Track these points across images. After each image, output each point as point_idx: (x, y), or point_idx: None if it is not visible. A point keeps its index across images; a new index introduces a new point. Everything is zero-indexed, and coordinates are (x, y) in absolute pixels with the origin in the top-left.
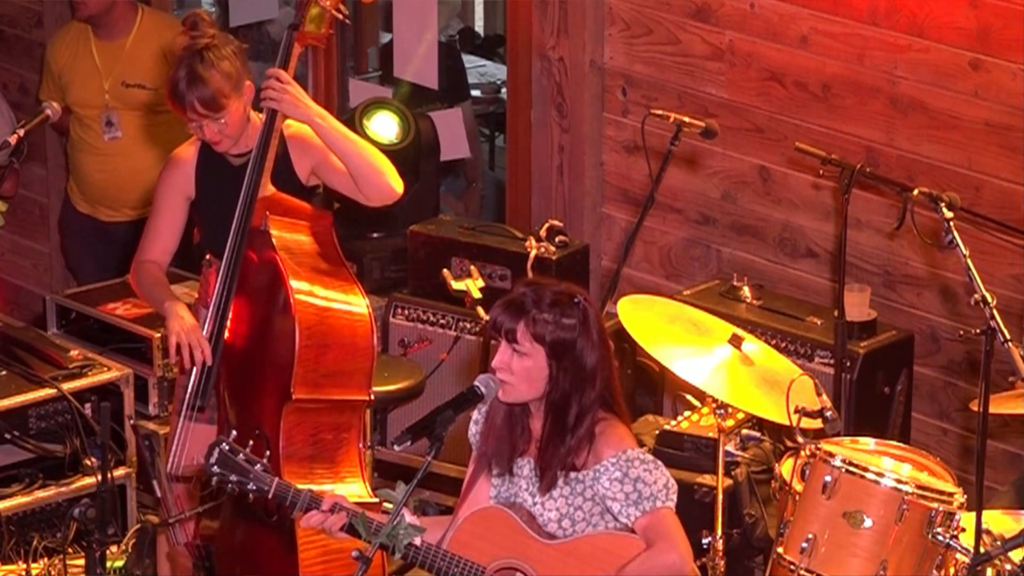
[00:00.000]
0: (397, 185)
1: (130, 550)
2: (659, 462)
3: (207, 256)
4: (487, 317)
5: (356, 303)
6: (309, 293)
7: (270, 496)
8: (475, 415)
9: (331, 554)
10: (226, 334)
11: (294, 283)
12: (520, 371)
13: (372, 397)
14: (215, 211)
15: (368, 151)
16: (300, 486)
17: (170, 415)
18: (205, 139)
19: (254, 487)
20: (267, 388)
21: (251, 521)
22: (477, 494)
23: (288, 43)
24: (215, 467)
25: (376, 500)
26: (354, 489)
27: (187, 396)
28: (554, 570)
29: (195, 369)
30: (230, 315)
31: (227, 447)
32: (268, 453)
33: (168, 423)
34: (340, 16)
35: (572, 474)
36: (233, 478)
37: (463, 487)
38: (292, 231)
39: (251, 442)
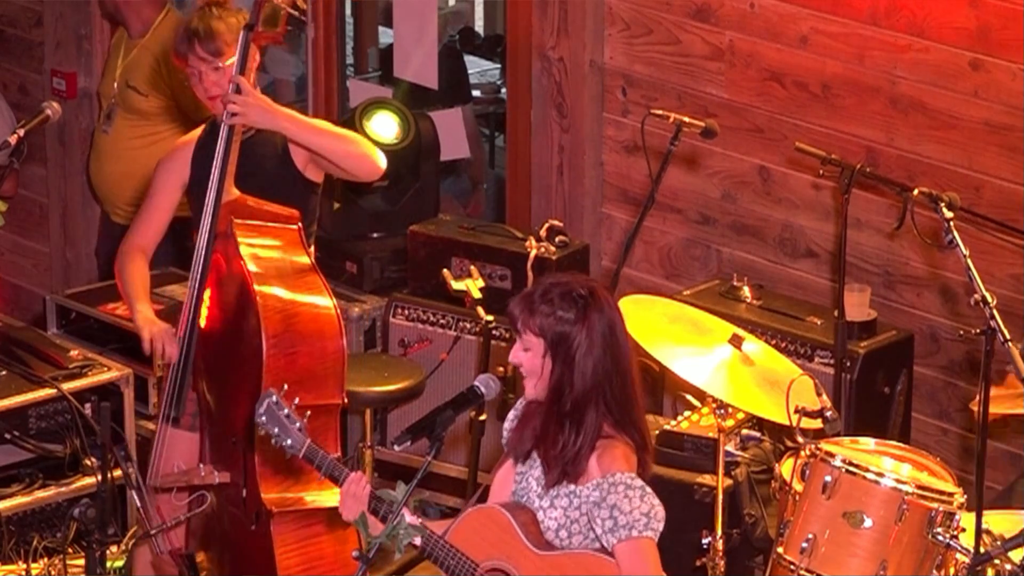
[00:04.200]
0: (381, 161)
1: (129, 550)
2: (647, 490)
3: None
4: (487, 317)
5: (323, 305)
6: (274, 298)
7: (300, 456)
8: (511, 414)
9: (311, 561)
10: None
11: (259, 288)
12: (528, 365)
13: (346, 400)
14: (206, 191)
15: (345, 138)
16: (275, 495)
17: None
18: (205, 92)
19: (288, 444)
20: (241, 396)
21: (234, 530)
22: (502, 487)
23: (245, 44)
24: (262, 416)
25: None
26: (327, 495)
27: (162, 406)
28: None
29: (167, 381)
30: (201, 323)
31: (275, 399)
32: (244, 461)
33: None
34: (296, 13)
35: (571, 487)
36: (275, 431)
37: (492, 482)
38: (257, 235)
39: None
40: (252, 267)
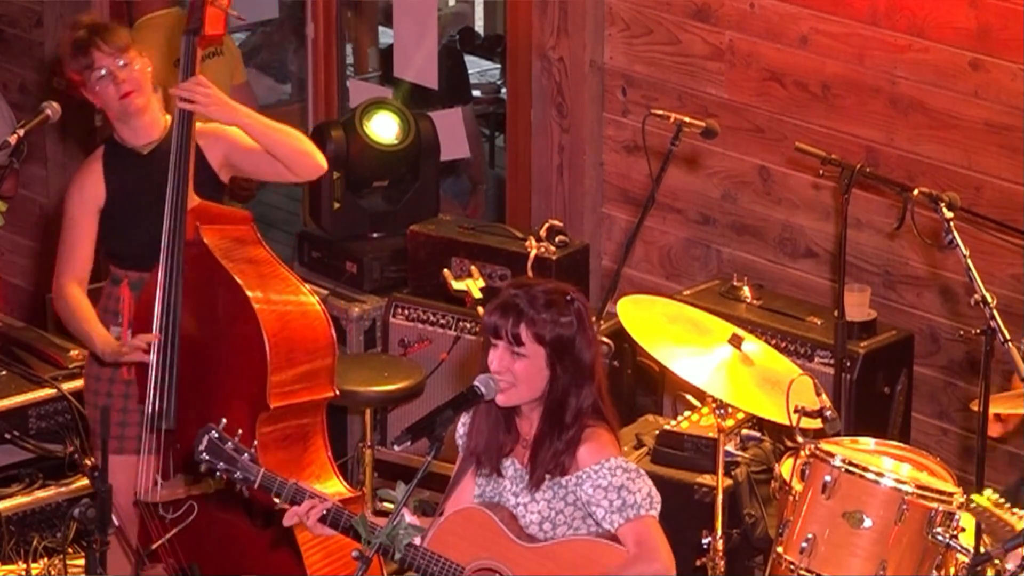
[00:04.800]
0: (323, 160)
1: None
2: (642, 471)
3: (113, 270)
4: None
5: (307, 301)
6: (265, 300)
7: (256, 486)
8: (463, 417)
9: (332, 555)
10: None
11: (251, 293)
12: (521, 372)
13: (337, 392)
14: (129, 208)
15: (293, 136)
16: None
17: (100, 446)
18: (118, 92)
19: (240, 476)
20: (236, 401)
21: (232, 536)
22: (462, 493)
23: (192, 49)
24: (204, 454)
25: (355, 494)
26: (331, 487)
27: (150, 420)
28: (532, 572)
29: (151, 393)
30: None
31: (216, 434)
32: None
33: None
34: (234, 14)
35: (556, 478)
36: (221, 465)
37: (448, 486)
38: (226, 239)
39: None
40: (236, 272)
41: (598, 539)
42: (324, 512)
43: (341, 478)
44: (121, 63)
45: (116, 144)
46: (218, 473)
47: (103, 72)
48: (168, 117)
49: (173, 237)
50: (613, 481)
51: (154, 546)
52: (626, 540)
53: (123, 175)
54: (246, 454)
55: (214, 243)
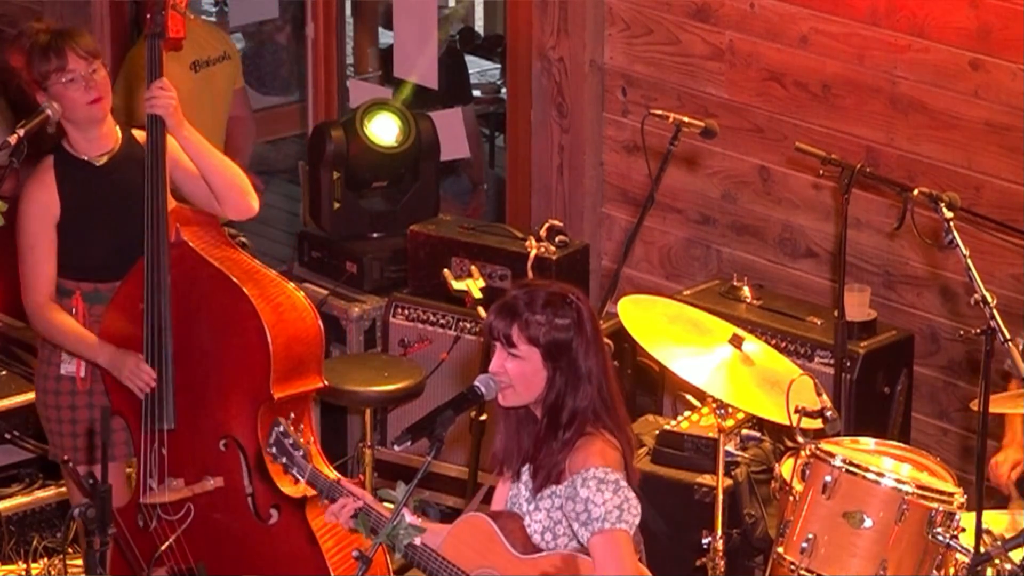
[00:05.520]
0: (255, 203)
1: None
2: (621, 483)
3: (60, 281)
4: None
5: (293, 293)
6: (257, 294)
7: (304, 481)
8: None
9: (341, 541)
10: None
11: (246, 289)
12: (517, 374)
13: (326, 382)
14: (84, 220)
15: (231, 171)
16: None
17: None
18: (86, 97)
19: (296, 471)
20: (235, 395)
21: (233, 533)
22: (497, 496)
23: (158, 53)
24: (272, 448)
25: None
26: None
27: (147, 423)
28: None
29: (146, 396)
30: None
31: (282, 430)
32: (243, 458)
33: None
34: (190, 15)
35: (552, 488)
36: (283, 460)
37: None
38: (205, 238)
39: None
40: (227, 269)
41: (576, 554)
42: (355, 510)
43: (330, 467)
44: (92, 68)
45: (66, 154)
46: (284, 468)
47: (74, 75)
48: (119, 129)
49: (155, 239)
50: (581, 493)
51: (162, 548)
52: (593, 554)
53: (77, 187)
54: (301, 451)
55: (196, 243)
